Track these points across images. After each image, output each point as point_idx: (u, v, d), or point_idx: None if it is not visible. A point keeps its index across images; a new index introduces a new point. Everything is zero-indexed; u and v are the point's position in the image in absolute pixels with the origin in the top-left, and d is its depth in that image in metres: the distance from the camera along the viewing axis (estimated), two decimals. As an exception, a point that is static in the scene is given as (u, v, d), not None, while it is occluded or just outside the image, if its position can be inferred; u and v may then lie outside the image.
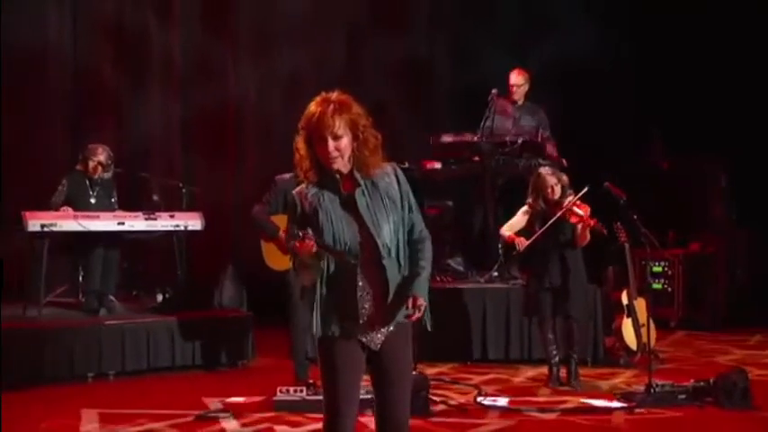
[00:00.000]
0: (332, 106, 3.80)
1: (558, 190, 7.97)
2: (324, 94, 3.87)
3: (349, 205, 3.84)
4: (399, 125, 10.99)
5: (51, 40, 10.66)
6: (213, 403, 7.20)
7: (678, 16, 11.10)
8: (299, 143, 3.85)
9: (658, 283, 10.87)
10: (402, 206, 3.92)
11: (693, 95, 11.06)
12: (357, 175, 3.86)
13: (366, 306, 3.84)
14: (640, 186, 10.56)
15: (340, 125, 3.78)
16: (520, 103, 9.77)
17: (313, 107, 3.83)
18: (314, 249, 3.69)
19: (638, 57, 11.38)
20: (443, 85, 12.68)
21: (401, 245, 3.88)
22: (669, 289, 10.82)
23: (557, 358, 7.99)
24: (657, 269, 10.84)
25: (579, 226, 7.76)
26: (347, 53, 12.20)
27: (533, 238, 7.87)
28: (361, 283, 3.83)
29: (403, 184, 3.95)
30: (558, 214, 7.83)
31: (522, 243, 7.91)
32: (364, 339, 3.84)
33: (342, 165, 3.83)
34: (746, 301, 10.76)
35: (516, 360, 8.69)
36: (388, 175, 3.93)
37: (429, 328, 3.99)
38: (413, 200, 3.99)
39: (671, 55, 11.18)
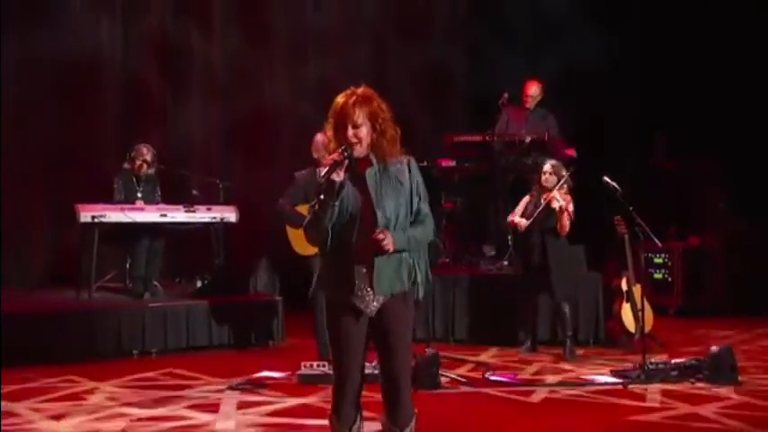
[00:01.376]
0: (355, 98, 3.89)
1: (551, 179, 8.14)
2: (352, 88, 3.96)
3: (359, 182, 3.90)
4: (420, 126, 11.06)
5: (104, 52, 10.76)
6: (244, 377, 7.30)
7: (679, 22, 11.06)
8: (328, 129, 3.94)
9: (659, 273, 10.91)
10: (411, 192, 3.97)
11: (694, 97, 10.99)
12: (372, 159, 3.94)
13: (362, 276, 3.88)
14: (644, 184, 10.61)
15: (360, 115, 3.86)
16: (532, 107, 9.85)
17: (340, 98, 3.92)
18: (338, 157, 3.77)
19: (642, 61, 11.33)
20: (461, 89, 12.68)
21: (400, 224, 3.90)
22: (669, 279, 10.86)
23: (529, 340, 8.34)
24: (658, 260, 10.89)
25: (558, 212, 7.95)
26: (372, 61, 12.24)
27: (530, 221, 8.07)
28: (358, 255, 3.88)
29: (414, 174, 4.01)
30: (544, 197, 8.07)
31: (522, 224, 8.08)
32: (361, 306, 3.88)
33: (360, 151, 3.88)
34: (743, 291, 10.68)
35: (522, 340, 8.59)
36: (401, 164, 3.98)
37: (420, 298, 4.03)
38: (423, 190, 4.04)
39: (673, 59, 11.12)
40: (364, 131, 3.88)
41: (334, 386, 4.00)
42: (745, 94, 10.72)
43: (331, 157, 3.80)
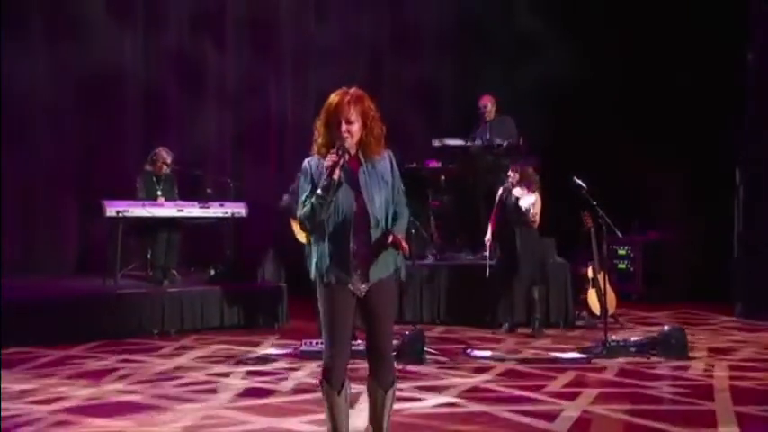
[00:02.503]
0: (349, 97, 3.96)
1: (514, 176, 8.44)
2: (344, 88, 4.04)
3: (351, 180, 3.97)
4: (411, 131, 11.16)
5: (127, 65, 10.87)
6: (251, 352, 7.62)
7: (639, 39, 11.19)
8: (319, 125, 4.02)
9: (623, 263, 11.10)
10: (392, 186, 4.07)
11: (655, 105, 11.16)
12: (361, 157, 4.01)
13: (355, 262, 3.98)
14: (612, 184, 10.74)
15: (353, 112, 3.93)
16: (490, 117, 10.01)
17: (334, 97, 3.98)
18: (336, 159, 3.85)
19: (611, 74, 11.43)
20: (448, 98, 12.75)
21: (387, 218, 4.02)
22: (631, 269, 11.07)
23: (507, 322, 8.62)
24: (622, 252, 11.05)
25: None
26: (368, 73, 12.24)
27: (490, 223, 8.51)
28: (352, 243, 3.97)
29: (395, 169, 4.10)
30: (499, 194, 8.49)
31: (488, 240, 8.56)
32: (352, 288, 3.99)
33: (350, 145, 3.96)
34: (697, 280, 10.84)
35: (500, 322, 8.82)
36: (385, 160, 4.06)
37: (403, 278, 4.17)
38: (400, 183, 4.13)
39: (638, 70, 11.24)
40: (356, 127, 3.96)
41: (325, 356, 4.06)
42: (699, 104, 10.78)
43: (330, 158, 3.88)
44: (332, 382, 4.05)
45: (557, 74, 11.32)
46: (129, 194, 9.28)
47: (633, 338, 7.62)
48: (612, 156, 10.95)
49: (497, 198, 8.64)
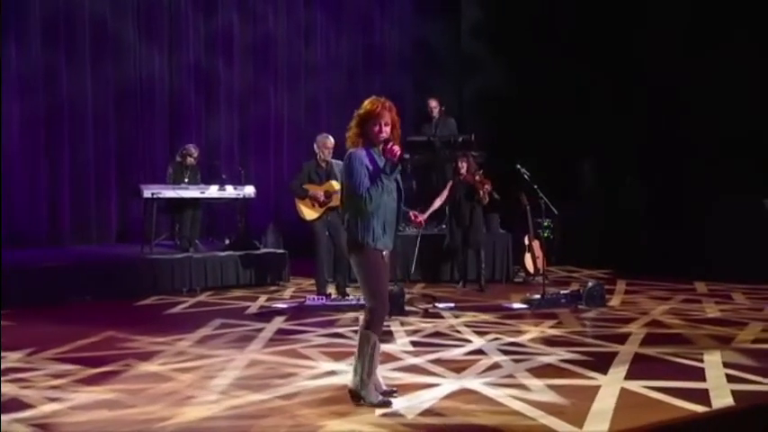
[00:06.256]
0: (386, 104, 3.88)
1: (462, 166, 8.27)
2: (382, 98, 3.92)
3: None
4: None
5: (155, 77, 10.52)
6: (262, 304, 7.37)
7: (558, 56, 11.07)
8: (354, 125, 3.90)
9: (547, 233, 10.98)
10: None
11: (574, 107, 10.98)
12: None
13: (391, 236, 3.93)
14: (539, 172, 10.60)
15: (388, 117, 3.87)
16: (438, 116, 9.79)
17: (373, 104, 3.88)
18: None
19: (537, 84, 11.28)
20: (408, 106, 12.31)
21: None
22: (552, 237, 10.95)
23: (462, 280, 8.44)
24: (546, 224, 10.94)
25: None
26: (345, 84, 12.14)
27: (442, 200, 8.39)
28: (389, 217, 3.90)
29: None
30: (450, 186, 8.33)
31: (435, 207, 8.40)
32: (386, 254, 3.92)
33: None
34: (606, 245, 10.70)
35: (457, 280, 8.64)
36: None
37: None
38: None
39: (557, 80, 11.09)
40: (388, 129, 3.89)
41: (381, 309, 3.87)
42: (610, 106, 10.71)
43: (396, 148, 3.79)
44: (380, 330, 3.92)
45: (494, 86, 11.18)
46: (158, 179, 9.04)
47: (563, 292, 7.46)
48: (539, 149, 10.83)
49: (450, 183, 8.43)
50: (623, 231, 10.40)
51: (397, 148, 3.83)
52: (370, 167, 3.86)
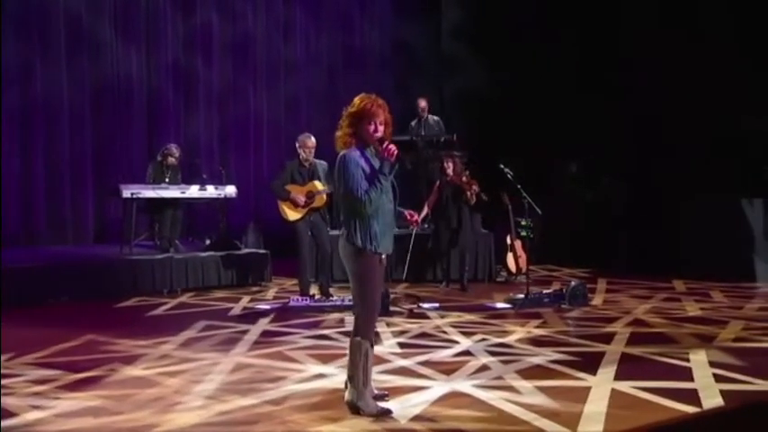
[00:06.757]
0: (379, 102, 3.73)
1: (449, 167, 8.23)
2: (373, 95, 3.76)
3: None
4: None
5: (133, 75, 10.31)
6: (245, 305, 7.25)
7: (535, 57, 11.07)
8: (346, 124, 3.73)
9: (526, 233, 10.95)
10: None
11: (553, 108, 10.96)
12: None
13: (390, 239, 3.81)
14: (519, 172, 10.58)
15: (382, 116, 3.72)
16: (425, 116, 9.75)
17: (365, 101, 3.72)
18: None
19: (516, 85, 11.27)
20: (390, 105, 12.49)
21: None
22: (531, 235, 10.92)
23: (445, 280, 8.37)
24: (525, 224, 10.90)
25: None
26: (325, 83, 12.03)
27: (431, 202, 8.27)
28: (388, 219, 3.77)
29: None
30: (438, 181, 8.24)
31: (425, 214, 8.26)
32: (383, 258, 3.79)
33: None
34: (580, 245, 10.76)
35: (440, 279, 8.61)
36: None
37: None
38: None
39: (537, 82, 11.09)
40: (382, 128, 3.75)
41: (367, 314, 3.74)
42: (583, 113, 10.76)
43: (392, 147, 3.64)
44: (371, 335, 3.78)
45: (474, 86, 11.15)
46: (136, 179, 8.85)
47: (546, 291, 7.45)
48: (519, 149, 10.82)
49: (436, 184, 8.37)
50: (601, 231, 10.44)
51: (393, 148, 3.67)
52: (367, 169, 3.70)
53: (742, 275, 8.64)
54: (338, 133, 3.80)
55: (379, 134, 3.73)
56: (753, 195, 8.86)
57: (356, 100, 3.77)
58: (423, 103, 9.79)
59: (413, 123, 9.74)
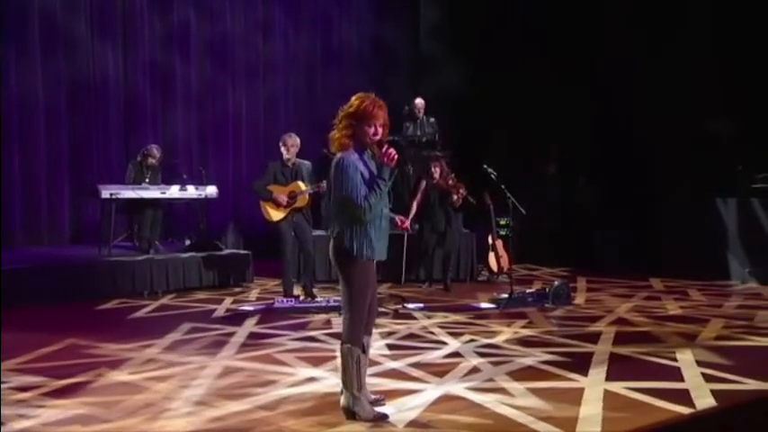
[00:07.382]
0: (379, 104, 3.57)
1: (436, 170, 8.20)
2: (372, 96, 3.59)
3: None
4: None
5: (110, 74, 10.06)
6: (228, 306, 7.13)
7: (515, 56, 11.05)
8: (344, 125, 3.56)
9: (505, 231, 10.97)
10: None
11: (531, 108, 10.93)
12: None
13: (385, 245, 3.70)
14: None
15: (383, 117, 3.57)
16: (421, 115, 9.76)
17: (364, 101, 3.55)
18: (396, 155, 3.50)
19: (494, 85, 11.24)
20: None
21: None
22: (510, 235, 10.94)
23: (428, 280, 8.33)
24: (504, 223, 10.91)
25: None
26: (304, 82, 11.90)
27: (417, 203, 8.23)
28: (383, 225, 3.65)
29: None
30: (422, 185, 8.22)
31: (412, 217, 8.17)
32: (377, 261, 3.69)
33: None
34: (559, 244, 10.77)
35: (423, 279, 8.57)
36: None
37: None
38: None
39: (515, 82, 11.07)
40: (381, 131, 3.60)
41: (354, 318, 3.60)
42: (565, 113, 10.78)
43: (392, 151, 3.50)
44: (361, 339, 3.66)
45: (453, 86, 11.09)
46: (113, 179, 8.68)
47: (529, 290, 7.44)
48: (499, 149, 10.82)
49: (422, 185, 8.32)
50: (579, 230, 10.49)
51: (393, 153, 3.53)
52: (366, 173, 3.56)
53: (717, 274, 8.73)
54: (335, 134, 3.62)
55: (379, 137, 3.58)
56: (727, 195, 8.95)
57: (355, 100, 3.60)
58: (420, 103, 9.73)
59: (410, 124, 9.68)
